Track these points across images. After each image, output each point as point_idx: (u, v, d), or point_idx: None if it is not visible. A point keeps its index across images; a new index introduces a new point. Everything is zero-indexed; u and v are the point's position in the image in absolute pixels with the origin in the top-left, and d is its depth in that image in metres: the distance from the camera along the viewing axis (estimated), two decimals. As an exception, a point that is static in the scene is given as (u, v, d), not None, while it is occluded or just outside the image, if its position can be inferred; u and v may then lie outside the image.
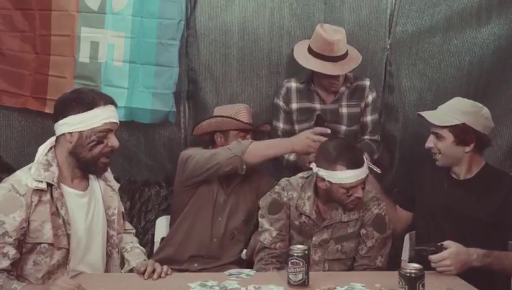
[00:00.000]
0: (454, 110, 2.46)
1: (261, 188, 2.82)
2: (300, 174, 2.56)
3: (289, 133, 2.96)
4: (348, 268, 2.46)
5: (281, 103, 2.97)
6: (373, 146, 2.96)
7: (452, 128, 2.43)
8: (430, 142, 2.51)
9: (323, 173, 2.32)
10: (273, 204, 2.48)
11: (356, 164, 2.29)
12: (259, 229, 2.51)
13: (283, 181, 2.54)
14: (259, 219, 2.52)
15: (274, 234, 2.45)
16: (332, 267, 2.45)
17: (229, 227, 2.80)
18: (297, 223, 2.46)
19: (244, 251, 2.77)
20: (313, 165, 2.38)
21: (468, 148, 2.44)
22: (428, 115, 2.50)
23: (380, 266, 2.42)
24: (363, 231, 2.43)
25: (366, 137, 2.99)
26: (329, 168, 2.30)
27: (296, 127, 2.96)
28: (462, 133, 2.42)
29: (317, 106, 2.93)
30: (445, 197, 2.51)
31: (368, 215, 2.43)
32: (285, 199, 2.47)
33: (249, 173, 2.82)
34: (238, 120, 2.84)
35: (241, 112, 2.88)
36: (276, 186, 2.52)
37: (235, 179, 2.82)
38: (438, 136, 2.47)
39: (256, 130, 2.93)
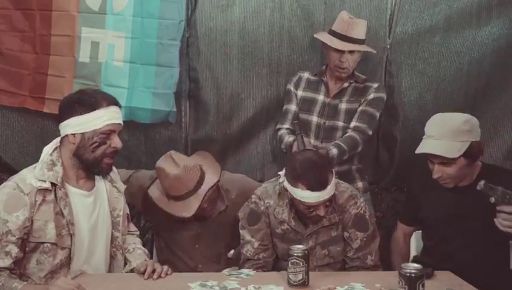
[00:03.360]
0: (456, 133, 2.29)
1: None
2: (278, 178, 2.44)
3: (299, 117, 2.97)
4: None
5: (292, 88, 3.02)
6: (356, 138, 2.83)
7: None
8: (439, 172, 2.34)
9: (286, 185, 2.26)
10: (251, 214, 2.42)
11: (318, 187, 2.18)
12: (241, 241, 2.45)
13: (259, 189, 2.47)
14: (240, 231, 2.45)
15: (256, 245, 2.40)
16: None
17: (210, 253, 2.66)
18: (278, 231, 2.41)
19: (232, 251, 2.66)
20: (281, 173, 2.32)
21: (476, 162, 2.36)
22: (436, 149, 2.29)
23: (372, 265, 2.37)
24: (345, 234, 2.38)
25: (353, 124, 2.87)
26: (292, 183, 2.22)
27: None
28: (471, 151, 2.29)
29: (321, 97, 2.95)
30: (450, 207, 2.40)
31: (346, 217, 2.37)
32: (262, 208, 2.41)
33: (232, 205, 2.64)
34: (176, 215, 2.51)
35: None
36: (253, 196, 2.45)
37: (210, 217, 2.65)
38: (447, 164, 2.31)
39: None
